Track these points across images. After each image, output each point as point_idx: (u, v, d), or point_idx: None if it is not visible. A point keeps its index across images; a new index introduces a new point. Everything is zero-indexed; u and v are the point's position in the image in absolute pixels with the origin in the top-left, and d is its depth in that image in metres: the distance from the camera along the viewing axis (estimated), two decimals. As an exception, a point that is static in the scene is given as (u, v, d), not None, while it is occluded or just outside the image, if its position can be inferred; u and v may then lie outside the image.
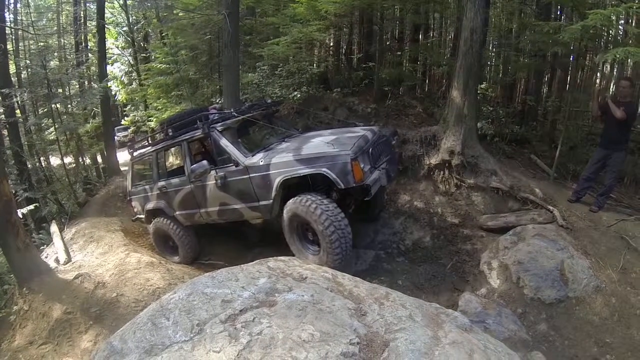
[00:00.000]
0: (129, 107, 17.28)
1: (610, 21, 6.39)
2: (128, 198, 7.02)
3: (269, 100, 7.18)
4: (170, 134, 6.04)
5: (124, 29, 16.27)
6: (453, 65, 7.56)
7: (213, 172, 5.39)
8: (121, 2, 14.04)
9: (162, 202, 6.28)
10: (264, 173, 4.96)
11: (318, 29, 8.13)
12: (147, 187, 6.51)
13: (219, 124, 5.55)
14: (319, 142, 5.12)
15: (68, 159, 12.59)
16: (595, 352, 4.27)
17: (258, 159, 5.08)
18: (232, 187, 5.34)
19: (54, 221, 8.25)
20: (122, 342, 2.34)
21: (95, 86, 13.63)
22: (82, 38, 15.67)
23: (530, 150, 8.52)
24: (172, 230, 6.25)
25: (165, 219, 6.30)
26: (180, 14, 10.89)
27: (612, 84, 13.97)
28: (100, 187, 10.50)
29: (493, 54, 11.43)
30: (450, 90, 7.18)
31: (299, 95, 9.38)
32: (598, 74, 13.44)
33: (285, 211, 4.86)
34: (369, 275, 5.27)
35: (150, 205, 6.47)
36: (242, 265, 3.06)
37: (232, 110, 6.34)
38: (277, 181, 4.85)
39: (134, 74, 15.62)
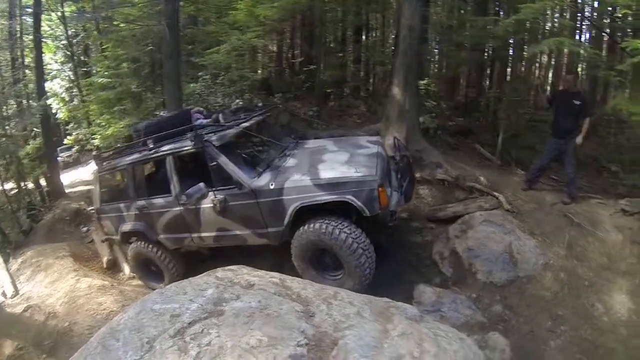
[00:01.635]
0: (71, 125, 16.56)
1: (541, 14, 6.79)
2: (97, 216, 6.17)
3: (260, 103, 6.48)
4: (151, 145, 5.19)
5: (63, 42, 15.56)
6: (393, 64, 7.78)
7: (211, 194, 4.73)
8: (59, 14, 13.42)
9: (142, 224, 5.51)
10: (276, 198, 4.44)
11: (257, 35, 8.13)
12: (122, 205, 5.66)
13: (215, 136, 4.83)
14: (336, 163, 4.68)
15: (9, 185, 11.92)
16: (550, 325, 4.51)
17: (267, 181, 4.54)
18: (235, 212, 4.74)
19: (-3, 253, 7.81)
20: (74, 369, 2.26)
21: (34, 105, 12.97)
22: (19, 53, 14.88)
23: (474, 140, 8.90)
24: (156, 255, 5.59)
25: (147, 243, 5.60)
26: (121, 25, 10.55)
27: (550, 74, 14.85)
28: (45, 212, 10.03)
29: (437, 50, 11.85)
30: (391, 88, 7.37)
31: (241, 103, 9.32)
32: (537, 65, 14.21)
33: (298, 239, 4.47)
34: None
35: (127, 227, 5.67)
36: (190, 278, 3.03)
37: (219, 114, 5.66)
38: (292, 208, 4.38)
39: (75, 90, 15.02)
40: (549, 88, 12.72)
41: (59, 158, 14.88)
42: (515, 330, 4.46)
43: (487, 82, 11.87)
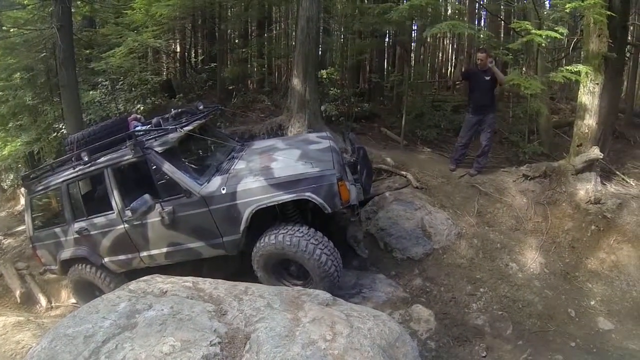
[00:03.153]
0: (-40, 146, 14.87)
1: (436, 0, 7.17)
2: (31, 245, 5.50)
3: (201, 106, 5.97)
4: (86, 158, 4.56)
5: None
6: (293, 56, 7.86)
7: (157, 206, 4.25)
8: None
9: (83, 248, 4.94)
10: (229, 204, 4.11)
11: (154, 35, 7.80)
12: (58, 230, 5.08)
13: (157, 142, 4.42)
14: (289, 160, 4.43)
15: None
16: (470, 289, 4.82)
17: (217, 186, 4.19)
18: (185, 224, 4.33)
19: None
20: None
21: None
22: None
23: (380, 124, 9.22)
24: (101, 280, 5.02)
25: (90, 268, 5.00)
26: (12, 30, 9.59)
27: (453, 57, 15.77)
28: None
29: (341, 39, 12.10)
30: (291, 79, 7.46)
31: (142, 108, 8.92)
32: (439, 49, 15.03)
33: (260, 250, 4.16)
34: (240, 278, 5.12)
35: (66, 254, 5.06)
36: (103, 295, 2.90)
37: (159, 119, 5.16)
38: (247, 212, 4.05)
39: (-38, 107, 13.51)
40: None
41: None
42: (438, 300, 4.71)
43: (390, 67, 12.27)
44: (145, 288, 2.72)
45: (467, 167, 6.57)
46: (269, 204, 4.03)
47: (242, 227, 4.11)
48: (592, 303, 4.70)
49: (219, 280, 2.73)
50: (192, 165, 4.81)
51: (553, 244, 5.36)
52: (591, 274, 5.02)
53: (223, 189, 4.12)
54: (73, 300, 6.16)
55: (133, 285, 2.89)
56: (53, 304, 6.39)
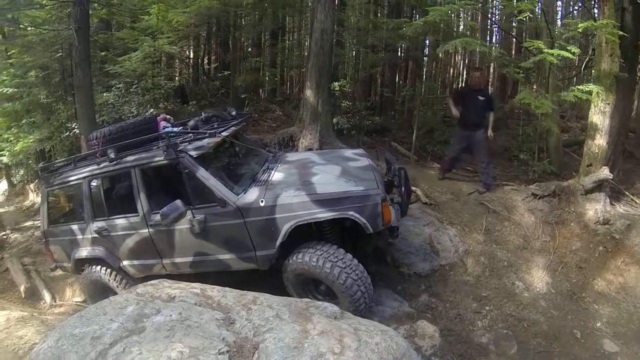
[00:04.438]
0: (-26, 141, 15.06)
1: (449, 16, 7.23)
2: (44, 240, 5.27)
3: (234, 112, 5.68)
4: (112, 155, 4.34)
5: (-37, 47, 14.13)
6: (306, 67, 7.91)
7: (188, 213, 4.05)
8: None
9: (100, 249, 4.71)
10: (267, 217, 3.90)
11: (170, 41, 7.90)
12: (74, 227, 4.84)
13: (191, 146, 4.24)
14: (330, 176, 4.26)
15: None
16: (476, 306, 4.79)
17: (255, 197, 3.99)
18: (216, 234, 4.12)
19: None
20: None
21: None
22: None
23: (391, 138, 9.25)
24: (117, 284, 4.83)
25: (106, 270, 4.80)
26: (29, 29, 9.75)
27: (463, 72, 15.83)
28: (-50, 239, 9.08)
29: (353, 51, 12.18)
30: (304, 91, 7.51)
31: (155, 112, 8.99)
32: (451, 64, 15.08)
33: (287, 268, 4.06)
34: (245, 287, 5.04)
35: (81, 253, 4.83)
36: (111, 297, 2.92)
37: (196, 122, 5.00)
38: (286, 227, 3.87)
39: (-23, 102, 13.70)
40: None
41: (-38, 179, 13.51)
42: (443, 316, 4.70)
43: (402, 82, 12.35)
44: (153, 292, 2.73)
45: (459, 182, 6.73)
46: (309, 221, 3.86)
47: (278, 242, 3.92)
48: (598, 325, 4.65)
49: (227, 289, 2.73)
50: (227, 172, 4.57)
51: (560, 263, 5.33)
52: (598, 295, 4.98)
53: (262, 201, 3.92)
54: (78, 299, 6.20)
55: (141, 288, 2.90)
56: (57, 301, 6.39)
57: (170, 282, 3.00)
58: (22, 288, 6.53)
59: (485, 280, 5.14)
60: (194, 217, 4.01)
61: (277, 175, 4.44)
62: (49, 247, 5.23)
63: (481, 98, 6.27)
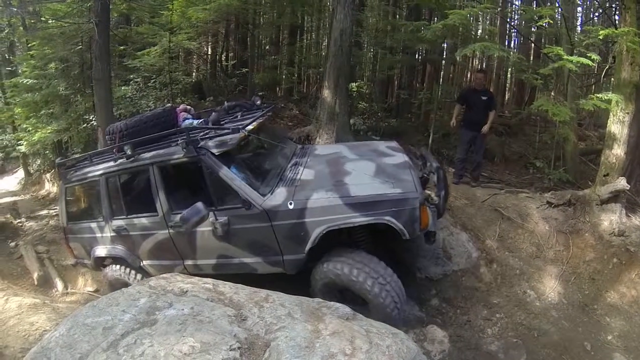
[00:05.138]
0: (-6, 130, 15.38)
1: (469, 20, 7.18)
2: (64, 236, 5.15)
3: (258, 101, 5.35)
4: (129, 152, 4.11)
5: (-15, 38, 14.46)
6: (324, 67, 7.92)
7: (210, 214, 3.75)
8: (-18, 7, 12.46)
9: (120, 248, 4.58)
10: (296, 221, 3.64)
11: (189, 37, 7.98)
12: (93, 225, 4.68)
13: (212, 143, 3.92)
14: (364, 175, 3.97)
15: None
16: (486, 314, 4.76)
17: (283, 199, 3.72)
18: (241, 237, 3.87)
19: None
20: (5, 395, 2.17)
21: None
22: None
23: (407, 141, 9.20)
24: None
25: (126, 269, 4.69)
26: (50, 22, 9.93)
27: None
28: (-33, 227, 9.27)
29: (371, 53, 12.16)
30: (322, 90, 7.53)
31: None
32: (469, 68, 14.97)
33: (318, 276, 3.82)
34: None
35: (101, 252, 4.72)
36: (123, 289, 2.93)
37: (217, 115, 4.64)
38: (316, 232, 3.61)
39: (-2, 91, 14.01)
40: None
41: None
42: (453, 322, 4.67)
43: (419, 84, 12.34)
44: (166, 286, 2.75)
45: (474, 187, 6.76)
46: (342, 226, 3.60)
47: (307, 247, 3.67)
48: (609, 338, 4.58)
49: (239, 285, 2.74)
50: (252, 171, 4.26)
51: (573, 274, 5.25)
52: (610, 308, 4.90)
53: (290, 204, 3.66)
54: (90, 289, 6.30)
55: (153, 281, 2.92)
56: (69, 290, 6.53)
57: (183, 276, 3.02)
58: (35, 275, 6.67)
59: (496, 287, 5.09)
60: (216, 219, 3.78)
61: (306, 173, 4.17)
62: (68, 244, 5.15)
63: (484, 98, 6.50)
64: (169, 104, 7.73)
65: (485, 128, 6.50)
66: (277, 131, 5.67)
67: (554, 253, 5.52)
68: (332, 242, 3.83)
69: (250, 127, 4.25)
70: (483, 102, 6.46)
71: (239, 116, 4.96)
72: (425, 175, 4.55)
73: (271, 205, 3.70)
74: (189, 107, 5.35)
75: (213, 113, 4.83)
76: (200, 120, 4.63)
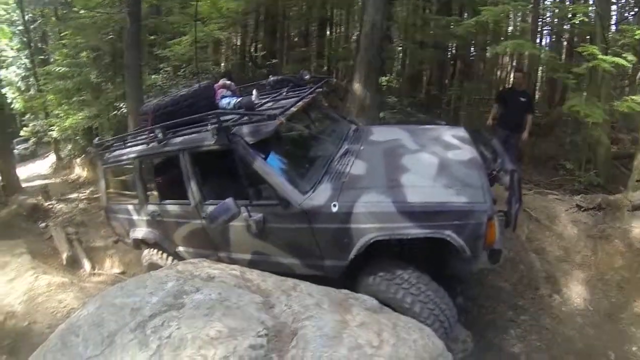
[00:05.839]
0: (27, 116, 15.86)
1: (502, 17, 7.04)
2: (106, 215, 5.10)
3: (307, 75, 4.75)
4: (160, 135, 3.83)
5: (19, 28, 14.93)
6: (355, 60, 7.86)
7: (243, 209, 3.35)
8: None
9: (155, 232, 4.37)
10: (340, 226, 3.15)
11: (220, 27, 8.05)
12: (130, 207, 4.53)
13: (247, 130, 3.47)
14: (424, 175, 3.34)
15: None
16: (511, 315, 4.65)
17: (326, 198, 3.22)
18: (277, 237, 3.50)
19: (-52, 252, 7.45)
20: (34, 367, 2.20)
21: (-12, 94, 12.40)
22: (-28, 39, 14.24)
23: None
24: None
25: (162, 254, 4.53)
26: (81, 12, 10.16)
27: (510, 75, 15.39)
28: (1, 208, 9.63)
29: (400, 47, 12.05)
30: (352, 83, 7.49)
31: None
32: (499, 65, 14.69)
33: (360, 289, 3.21)
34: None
35: (138, 234, 4.55)
36: (151, 272, 3.02)
37: (249, 99, 3.97)
38: (362, 241, 3.10)
39: (31, 79, 14.44)
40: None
41: (14, 151, 14.26)
42: (477, 321, 4.58)
43: (449, 81, 12.19)
44: (193, 271, 2.80)
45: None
46: (392, 237, 3.09)
47: (351, 255, 3.19)
48: (634, 349, 4.42)
49: (266, 273, 2.75)
50: (293, 162, 3.83)
51: (600, 280, 5.10)
52: (637, 318, 4.72)
53: (334, 206, 3.15)
54: (116, 270, 6.44)
55: (181, 266, 2.98)
56: (96, 271, 6.69)
57: (210, 262, 3.06)
58: (64, 256, 6.86)
59: (522, 289, 4.98)
60: (250, 216, 3.39)
61: (357, 166, 3.60)
62: (110, 222, 5.07)
63: (522, 99, 6.34)
64: (207, 80, 7.38)
65: (525, 135, 6.35)
66: (329, 110, 5.07)
67: (581, 258, 5.36)
68: (380, 250, 3.35)
69: (291, 110, 3.68)
70: (521, 103, 6.31)
71: (284, 92, 4.47)
72: (495, 171, 3.81)
73: (312, 205, 3.22)
74: (228, 82, 4.74)
75: (254, 91, 4.40)
76: (237, 100, 4.11)
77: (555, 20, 11.21)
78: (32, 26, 14.29)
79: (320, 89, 4.58)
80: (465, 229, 2.92)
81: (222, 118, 3.47)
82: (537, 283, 5.04)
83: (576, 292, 4.95)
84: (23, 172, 13.33)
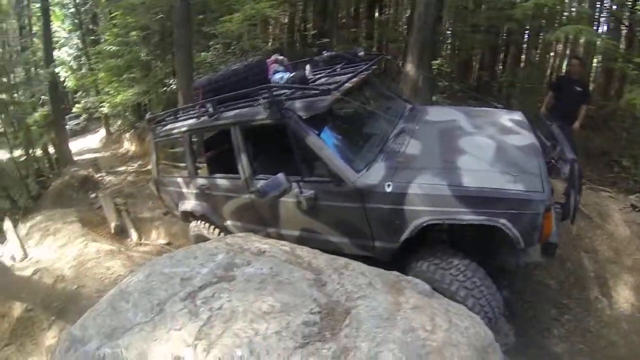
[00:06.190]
0: (79, 93, 16.53)
1: (560, 1, 6.67)
2: (156, 187, 5.17)
3: (361, 52, 4.63)
4: (211, 110, 3.81)
5: (71, 10, 15.51)
6: (408, 41, 7.66)
7: (294, 185, 3.30)
8: (67, -18, 13.34)
9: (204, 205, 4.41)
10: (393, 207, 3.06)
11: (271, 5, 8.00)
12: (179, 180, 4.62)
13: (300, 104, 3.38)
14: (481, 159, 3.19)
15: (17, 152, 12.01)
16: (554, 313, 4.50)
17: (380, 178, 3.13)
18: (328, 215, 3.44)
19: (6, 217, 7.95)
20: (83, 329, 2.28)
21: (42, 72, 12.97)
22: (26, 21, 14.85)
23: None
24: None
25: (210, 227, 4.56)
26: (131, -7, 10.41)
27: (564, 62, 14.67)
28: (54, 179, 10.17)
29: (450, 30, 11.68)
30: (405, 65, 7.32)
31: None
32: (552, 53, 13.98)
33: (410, 272, 3.12)
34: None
35: (187, 207, 4.62)
36: (200, 244, 3.04)
37: (307, 66, 4.13)
38: (414, 224, 3.02)
39: (83, 58, 14.99)
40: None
41: (67, 126, 14.94)
42: (520, 316, 4.45)
43: (501, 66, 11.75)
44: (242, 244, 2.80)
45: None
46: (445, 222, 3.00)
47: (402, 237, 3.12)
48: (679, 361, 4.20)
49: (317, 251, 2.71)
50: (347, 139, 3.77)
51: (650, 286, 4.84)
52: (685, 330, 4.49)
53: (388, 186, 3.06)
54: (162, 241, 6.65)
55: (230, 239, 2.98)
56: (143, 241, 6.91)
57: (258, 237, 3.06)
58: (112, 225, 7.16)
59: (568, 287, 4.77)
60: (301, 192, 3.33)
61: (412, 145, 3.48)
62: (160, 195, 5.16)
63: (578, 89, 5.97)
64: (259, 55, 7.30)
65: (577, 124, 6.04)
66: (384, 88, 4.90)
67: (632, 261, 5.06)
68: (428, 236, 3.31)
69: (346, 86, 3.53)
70: (576, 93, 5.96)
71: (338, 69, 4.38)
72: (553, 160, 3.57)
73: (365, 184, 3.13)
74: (280, 57, 4.68)
75: (307, 66, 4.29)
76: (290, 75, 4.02)
77: (614, 6, 10.51)
78: (82, 8, 14.80)
79: (375, 67, 4.42)
80: (521, 219, 2.77)
81: (274, 92, 3.42)
82: (584, 283, 4.81)
83: (624, 297, 4.69)
84: (75, 146, 13.99)
